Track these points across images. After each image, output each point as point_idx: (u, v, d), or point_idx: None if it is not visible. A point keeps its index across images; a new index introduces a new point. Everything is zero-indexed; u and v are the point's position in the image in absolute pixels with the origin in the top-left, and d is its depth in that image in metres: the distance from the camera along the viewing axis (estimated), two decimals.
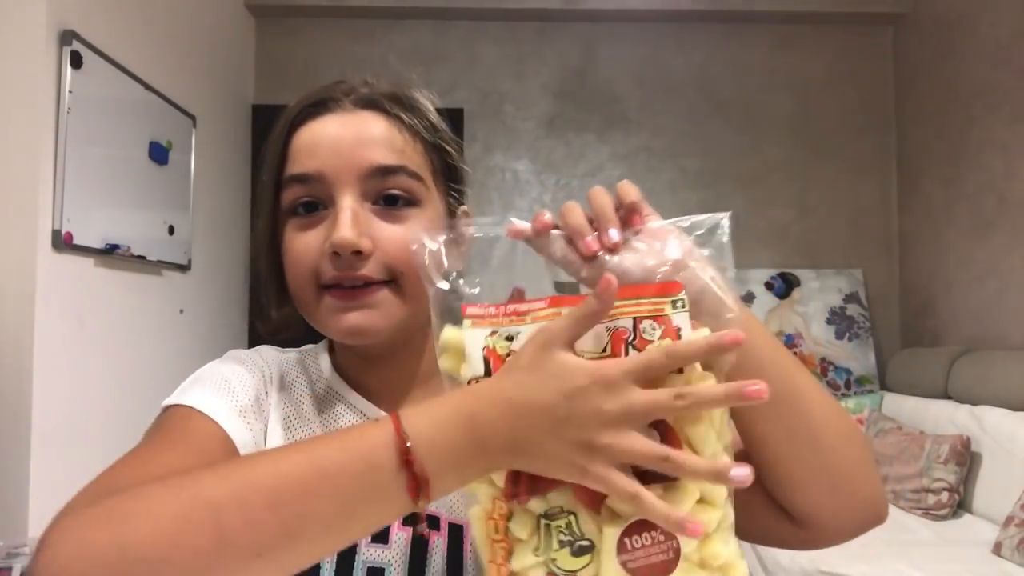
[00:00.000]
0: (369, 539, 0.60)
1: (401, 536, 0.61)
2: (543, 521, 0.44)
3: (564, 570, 0.44)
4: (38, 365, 2.05)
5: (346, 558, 0.60)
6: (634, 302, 0.45)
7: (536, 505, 0.45)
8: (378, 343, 0.60)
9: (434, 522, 0.62)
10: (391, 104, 0.62)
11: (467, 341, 0.46)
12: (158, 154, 2.69)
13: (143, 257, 2.56)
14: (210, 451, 0.55)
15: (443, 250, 0.49)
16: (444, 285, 0.48)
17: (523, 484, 0.44)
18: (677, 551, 0.43)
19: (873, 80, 3.81)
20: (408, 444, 0.41)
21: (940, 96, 3.38)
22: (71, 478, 2.24)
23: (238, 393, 0.60)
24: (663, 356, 0.41)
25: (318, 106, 0.61)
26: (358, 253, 0.57)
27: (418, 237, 0.50)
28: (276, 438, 0.62)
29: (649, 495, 0.41)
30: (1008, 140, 2.89)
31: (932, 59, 3.45)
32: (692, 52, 3.81)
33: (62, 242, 2.11)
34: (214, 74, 3.28)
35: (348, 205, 0.58)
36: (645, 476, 0.43)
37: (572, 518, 0.44)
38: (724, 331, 0.42)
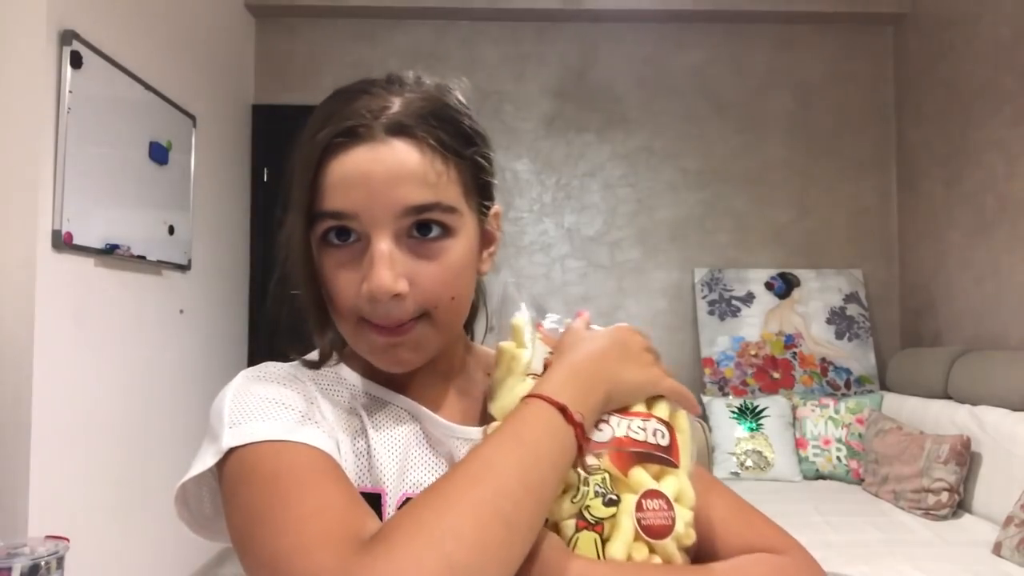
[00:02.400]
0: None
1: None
2: (583, 475, 0.57)
3: (595, 516, 0.56)
4: (38, 365, 2.05)
5: None
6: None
7: (583, 461, 0.58)
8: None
9: None
10: (425, 127, 0.60)
11: (536, 348, 0.66)
12: (158, 154, 2.69)
13: (143, 257, 2.57)
14: (328, 471, 0.55)
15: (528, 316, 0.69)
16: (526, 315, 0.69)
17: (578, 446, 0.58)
18: (673, 520, 0.56)
19: (873, 80, 3.81)
20: (565, 406, 0.56)
21: (940, 96, 3.38)
22: (71, 478, 2.24)
23: (294, 409, 0.59)
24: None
25: (348, 135, 0.59)
26: (395, 295, 0.58)
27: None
28: (344, 446, 0.62)
29: (686, 390, 0.66)
30: (1008, 140, 2.89)
31: (932, 59, 3.45)
32: (692, 52, 3.81)
33: (62, 242, 2.11)
34: (214, 74, 3.29)
35: (383, 248, 0.58)
36: (649, 458, 0.59)
37: (606, 475, 0.57)
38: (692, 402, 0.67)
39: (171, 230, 2.80)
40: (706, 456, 3.24)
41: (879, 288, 3.76)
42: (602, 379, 0.60)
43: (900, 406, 3.12)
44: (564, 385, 0.58)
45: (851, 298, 3.67)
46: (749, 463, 3.12)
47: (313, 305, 0.64)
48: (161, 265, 2.74)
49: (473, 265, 0.65)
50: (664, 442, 0.60)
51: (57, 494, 2.12)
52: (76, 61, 2.18)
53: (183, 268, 2.91)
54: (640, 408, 0.62)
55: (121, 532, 2.45)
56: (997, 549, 2.11)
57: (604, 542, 0.55)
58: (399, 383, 0.67)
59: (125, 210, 2.49)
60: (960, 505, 2.54)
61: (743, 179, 3.78)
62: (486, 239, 0.67)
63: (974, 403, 2.69)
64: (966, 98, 3.17)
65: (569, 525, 0.56)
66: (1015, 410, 2.49)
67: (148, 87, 2.62)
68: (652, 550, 0.56)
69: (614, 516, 0.56)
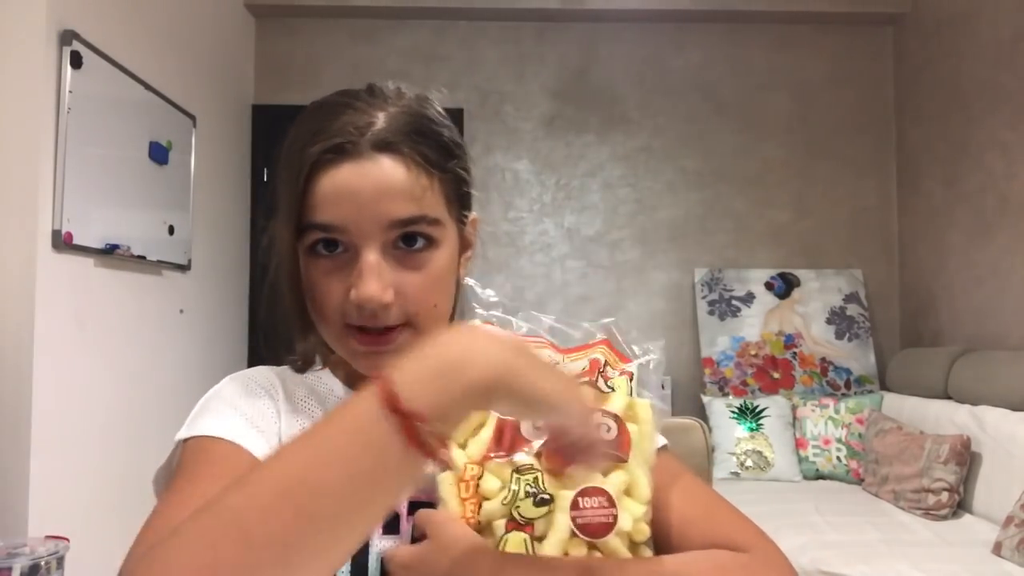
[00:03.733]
0: (381, 531, 0.62)
1: (411, 526, 0.63)
2: (515, 474, 0.55)
3: (524, 517, 0.55)
4: (38, 365, 2.05)
5: (360, 551, 0.61)
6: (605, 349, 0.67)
7: (514, 459, 0.57)
8: None
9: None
10: (410, 143, 0.62)
11: None
12: (158, 154, 2.69)
13: (143, 257, 2.56)
14: (233, 470, 0.57)
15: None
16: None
17: (506, 442, 0.56)
18: (615, 517, 0.54)
19: (873, 80, 3.81)
20: (393, 390, 0.43)
21: (940, 96, 3.38)
22: (71, 478, 2.23)
23: (247, 413, 0.64)
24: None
25: (337, 151, 0.61)
26: (383, 305, 0.61)
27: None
28: None
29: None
30: (1009, 140, 2.89)
31: (932, 59, 3.45)
32: (692, 52, 3.81)
33: (62, 242, 2.11)
34: (214, 74, 3.28)
35: (371, 260, 0.60)
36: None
37: (539, 475, 0.55)
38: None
39: (171, 230, 2.80)
40: (706, 456, 3.24)
41: (879, 288, 3.76)
42: (480, 364, 0.45)
43: (900, 406, 3.12)
44: (417, 361, 0.45)
45: (851, 298, 3.67)
46: (749, 463, 3.12)
47: (296, 311, 0.66)
48: (161, 265, 2.74)
49: (454, 273, 0.67)
50: (610, 436, 0.57)
51: (57, 494, 2.12)
52: (76, 61, 2.17)
53: (183, 268, 2.91)
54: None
55: (121, 532, 2.45)
56: (997, 549, 2.11)
57: (536, 541, 0.54)
58: None
59: (125, 210, 2.49)
60: (960, 505, 2.54)
61: (743, 179, 3.78)
62: (463, 245, 0.70)
63: (974, 403, 2.69)
64: (966, 98, 3.17)
65: (499, 526, 0.55)
66: (1015, 410, 2.49)
67: (148, 87, 2.62)
68: (594, 547, 0.55)
69: (548, 515, 0.54)
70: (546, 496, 0.54)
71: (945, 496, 2.48)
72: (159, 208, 2.72)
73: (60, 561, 1.74)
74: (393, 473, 0.43)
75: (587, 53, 3.82)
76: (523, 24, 3.80)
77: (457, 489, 0.57)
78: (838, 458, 3.11)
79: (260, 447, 0.61)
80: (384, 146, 0.61)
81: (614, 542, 0.55)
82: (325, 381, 0.71)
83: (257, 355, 3.55)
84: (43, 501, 2.04)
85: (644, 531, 0.57)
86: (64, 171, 2.12)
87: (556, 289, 3.76)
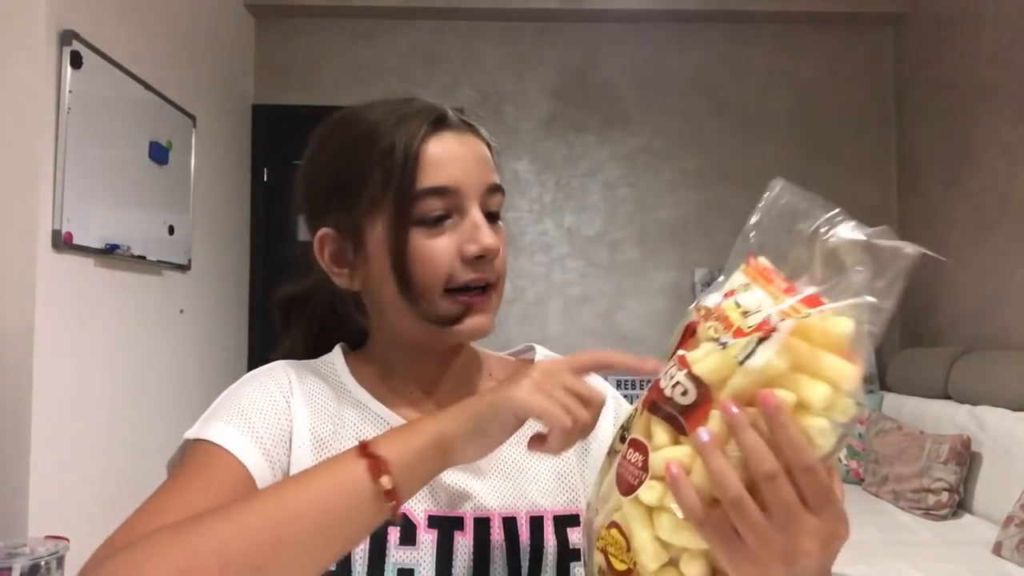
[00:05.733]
0: (398, 541, 0.63)
1: (428, 537, 0.64)
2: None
3: (611, 448, 0.53)
4: (38, 365, 2.05)
5: (377, 560, 0.62)
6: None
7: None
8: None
9: (458, 522, 0.65)
10: (483, 130, 0.71)
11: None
12: (158, 154, 2.69)
13: (143, 257, 2.56)
14: (229, 488, 0.57)
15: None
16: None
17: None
18: (640, 483, 0.47)
19: (873, 80, 3.81)
20: (368, 443, 0.50)
21: (940, 96, 3.38)
22: (71, 478, 2.22)
23: (256, 424, 0.62)
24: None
25: (437, 122, 0.66)
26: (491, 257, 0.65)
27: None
28: (306, 457, 0.64)
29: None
30: (1009, 140, 2.89)
31: (932, 59, 3.45)
32: (692, 52, 3.81)
33: (62, 242, 2.11)
34: (214, 74, 3.28)
35: (481, 216, 0.65)
36: (665, 416, 0.48)
37: (634, 416, 0.52)
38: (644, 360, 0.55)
39: (171, 230, 2.80)
40: None
41: None
42: (432, 428, 0.54)
43: (900, 406, 3.12)
44: (404, 428, 0.55)
45: None
46: None
47: (399, 279, 0.65)
48: (161, 265, 2.74)
49: None
50: (686, 401, 0.46)
51: (57, 494, 2.12)
52: (76, 61, 2.17)
53: (183, 268, 2.91)
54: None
55: None
56: (997, 549, 2.11)
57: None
58: (415, 379, 0.71)
59: (125, 210, 2.49)
60: (960, 505, 2.54)
61: (743, 179, 3.77)
62: None
63: (974, 403, 2.69)
64: (966, 98, 3.17)
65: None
66: (1015, 410, 2.48)
67: (148, 87, 2.62)
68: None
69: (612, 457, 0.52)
70: (625, 435, 0.51)
71: (945, 496, 2.48)
72: (159, 208, 2.72)
73: (60, 561, 1.74)
74: (358, 511, 0.50)
75: (587, 53, 3.82)
76: (523, 24, 3.80)
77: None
78: (838, 458, 3.11)
79: (261, 470, 0.60)
80: (468, 124, 0.70)
81: (633, 508, 0.48)
82: (335, 365, 0.72)
83: (257, 355, 3.54)
84: (43, 501, 2.04)
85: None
86: (64, 171, 2.12)
87: (556, 289, 3.76)
